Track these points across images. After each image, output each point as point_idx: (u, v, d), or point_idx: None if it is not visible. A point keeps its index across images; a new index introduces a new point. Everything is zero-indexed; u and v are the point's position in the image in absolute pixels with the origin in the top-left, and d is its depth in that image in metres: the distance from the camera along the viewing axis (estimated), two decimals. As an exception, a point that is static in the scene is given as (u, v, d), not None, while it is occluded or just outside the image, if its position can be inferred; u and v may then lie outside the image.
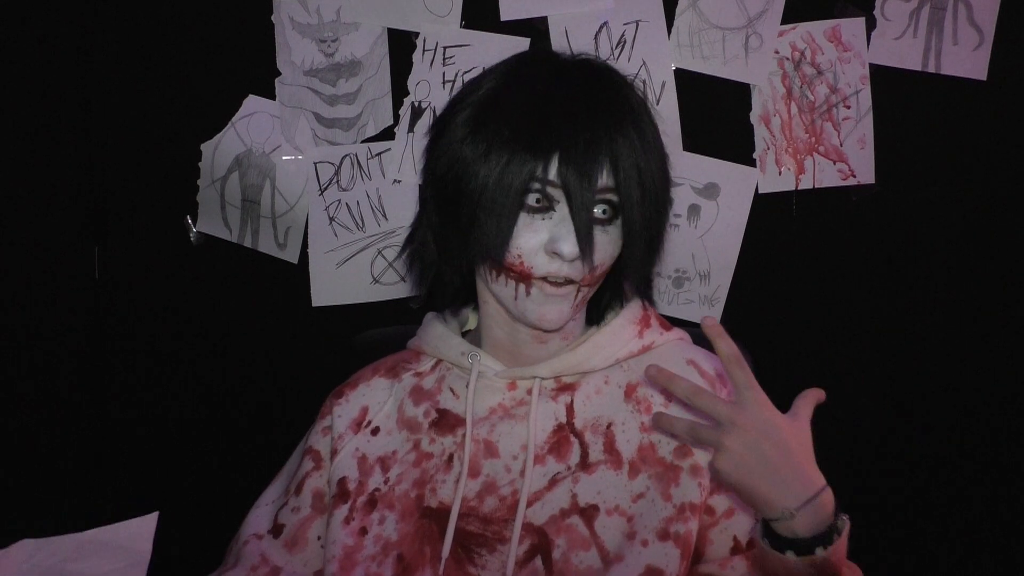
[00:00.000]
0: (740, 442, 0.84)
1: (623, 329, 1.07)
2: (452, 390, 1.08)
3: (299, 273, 1.70)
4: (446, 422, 1.06)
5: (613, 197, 0.97)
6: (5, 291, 1.71)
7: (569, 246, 0.95)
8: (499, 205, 0.96)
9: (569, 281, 0.98)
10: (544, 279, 0.98)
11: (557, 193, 0.96)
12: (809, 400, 0.90)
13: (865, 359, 1.64)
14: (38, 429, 1.73)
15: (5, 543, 0.75)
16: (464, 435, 1.04)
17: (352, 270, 1.69)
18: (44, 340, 1.73)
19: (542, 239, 0.96)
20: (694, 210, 1.63)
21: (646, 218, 0.99)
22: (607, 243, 0.99)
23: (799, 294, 1.64)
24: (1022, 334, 1.61)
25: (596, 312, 1.10)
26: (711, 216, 1.63)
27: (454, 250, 1.03)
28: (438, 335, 1.11)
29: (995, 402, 1.62)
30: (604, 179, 0.96)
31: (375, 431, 1.09)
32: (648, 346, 1.07)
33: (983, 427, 1.62)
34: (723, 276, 1.63)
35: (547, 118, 0.96)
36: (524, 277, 0.98)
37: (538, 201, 0.96)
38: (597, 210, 0.97)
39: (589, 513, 0.98)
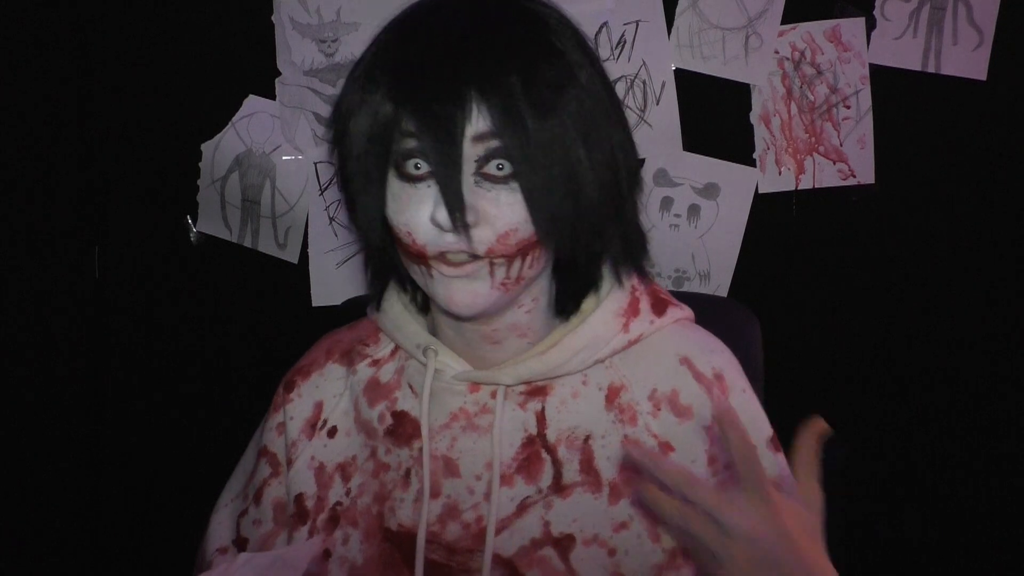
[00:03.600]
0: (749, 555, 0.68)
1: (604, 324, 0.90)
2: (411, 387, 0.94)
3: (299, 273, 1.70)
4: (402, 431, 0.93)
5: (498, 143, 0.79)
6: (5, 291, 1.71)
7: (441, 212, 0.79)
8: (362, 170, 0.84)
9: (474, 256, 0.81)
10: (441, 259, 0.82)
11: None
12: (807, 460, 0.72)
13: (865, 359, 1.63)
14: (38, 429, 1.74)
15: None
16: (421, 450, 0.90)
17: (352, 270, 1.69)
18: (44, 340, 1.73)
19: (430, 210, 0.81)
20: (694, 210, 1.63)
21: (543, 164, 0.80)
22: (511, 203, 0.81)
23: (799, 294, 1.63)
24: (1022, 334, 1.61)
25: (570, 299, 0.92)
26: (711, 216, 1.63)
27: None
28: (395, 315, 0.96)
29: (995, 402, 1.62)
30: (479, 124, 0.79)
31: (332, 432, 0.96)
32: (635, 339, 0.91)
33: (983, 427, 1.62)
34: (723, 276, 1.63)
35: (407, 60, 0.81)
36: (421, 258, 0.83)
37: (417, 167, 0.81)
38: (492, 165, 0.80)
39: (564, 544, 0.86)
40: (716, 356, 0.93)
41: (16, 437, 1.72)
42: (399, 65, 0.81)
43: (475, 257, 0.81)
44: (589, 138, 0.82)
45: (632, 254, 0.91)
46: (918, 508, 1.64)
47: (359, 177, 0.85)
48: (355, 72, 0.85)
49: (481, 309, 0.84)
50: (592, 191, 0.83)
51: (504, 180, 0.80)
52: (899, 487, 1.65)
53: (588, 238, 0.85)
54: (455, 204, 0.79)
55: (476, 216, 0.80)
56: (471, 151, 0.80)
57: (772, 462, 0.91)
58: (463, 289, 0.83)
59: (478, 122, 0.79)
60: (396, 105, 0.80)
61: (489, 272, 0.82)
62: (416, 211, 0.81)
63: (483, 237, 0.81)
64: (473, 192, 0.80)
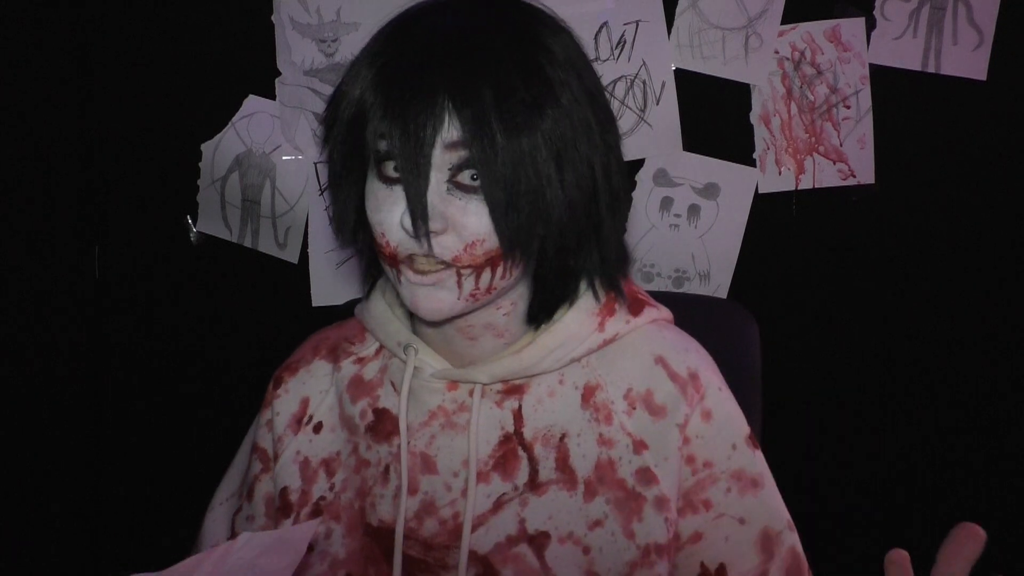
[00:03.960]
0: None
1: (578, 324, 0.91)
2: (393, 385, 0.95)
3: (299, 273, 1.70)
4: (382, 428, 0.94)
5: (468, 153, 0.80)
6: (5, 291, 1.71)
7: (407, 217, 0.80)
8: (344, 162, 0.85)
9: (442, 263, 0.82)
10: (410, 264, 0.83)
11: None
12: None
13: (865, 359, 1.63)
14: (38, 429, 1.74)
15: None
16: (399, 446, 0.92)
17: (352, 270, 1.69)
18: (44, 340, 1.74)
19: (401, 212, 0.82)
20: (694, 210, 1.63)
21: (510, 179, 0.79)
22: (481, 214, 0.81)
23: (799, 295, 1.64)
24: (1021, 334, 1.61)
25: (542, 308, 0.92)
26: (711, 216, 1.63)
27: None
28: (379, 314, 0.97)
29: (996, 402, 1.62)
30: (450, 132, 0.79)
31: (317, 428, 0.98)
32: (611, 339, 0.92)
33: (983, 427, 1.62)
34: (723, 276, 1.63)
35: (388, 63, 0.82)
36: (392, 260, 0.84)
37: (396, 169, 0.81)
38: (466, 175, 0.80)
39: (539, 541, 0.87)
40: (691, 355, 0.93)
41: (16, 437, 1.72)
42: (382, 65, 0.82)
43: (443, 263, 0.82)
44: (563, 159, 0.82)
45: (609, 273, 0.91)
46: (918, 508, 1.64)
47: (339, 169, 0.87)
48: (348, 72, 0.86)
49: (447, 316, 0.85)
50: (561, 211, 0.83)
51: (475, 190, 0.81)
52: (899, 487, 1.65)
53: (557, 255, 0.86)
54: (418, 210, 0.80)
55: (445, 223, 0.81)
56: (444, 158, 0.80)
57: (751, 460, 0.92)
58: (428, 296, 0.83)
59: (451, 130, 0.79)
60: (373, 104, 0.81)
61: (457, 283, 0.83)
62: (389, 212, 0.82)
63: (449, 245, 0.81)
64: (444, 199, 0.81)
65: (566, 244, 0.85)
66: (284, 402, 1.00)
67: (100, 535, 1.80)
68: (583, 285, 0.92)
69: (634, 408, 0.90)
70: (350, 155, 0.85)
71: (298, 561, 0.74)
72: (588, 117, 0.84)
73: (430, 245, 0.81)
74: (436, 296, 0.83)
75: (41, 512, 1.75)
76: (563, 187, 0.82)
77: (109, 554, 1.80)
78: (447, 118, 0.79)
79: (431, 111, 0.78)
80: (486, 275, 0.83)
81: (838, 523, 1.62)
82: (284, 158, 1.70)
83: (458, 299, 0.84)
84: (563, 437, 0.90)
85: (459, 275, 0.83)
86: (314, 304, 1.70)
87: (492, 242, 0.82)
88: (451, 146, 0.80)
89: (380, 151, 0.82)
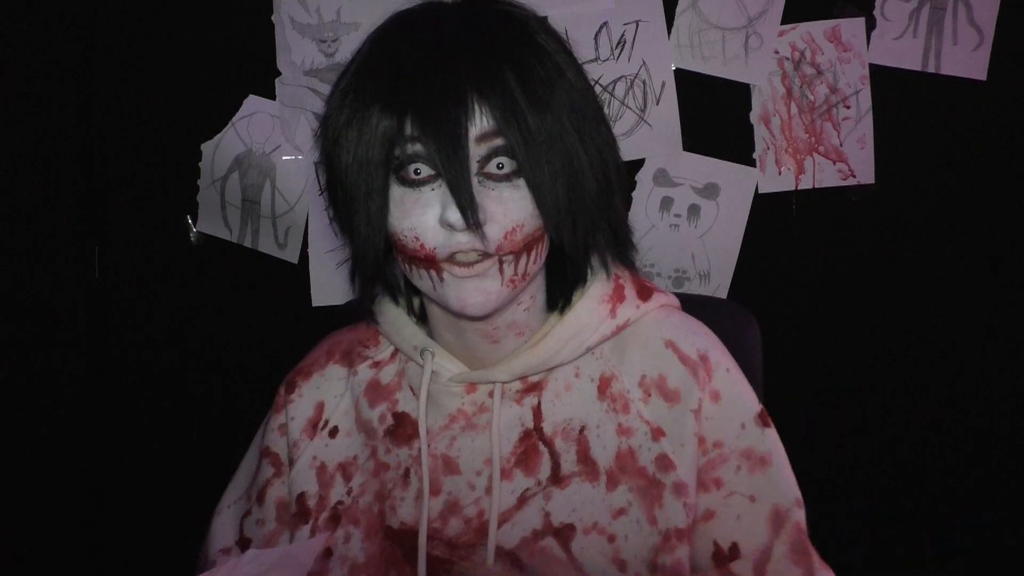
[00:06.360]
0: None
1: (590, 312, 0.92)
2: (412, 388, 0.96)
3: (299, 273, 1.70)
4: (402, 431, 0.94)
5: (501, 142, 0.81)
6: (5, 291, 1.71)
7: (453, 212, 0.80)
8: (364, 180, 0.84)
9: (485, 255, 0.83)
10: (452, 260, 0.83)
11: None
12: None
13: (865, 358, 1.63)
14: (38, 429, 1.74)
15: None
16: (420, 449, 0.92)
17: (352, 270, 1.70)
18: (44, 340, 1.74)
19: (436, 213, 0.82)
20: (694, 210, 1.63)
21: (545, 159, 0.82)
22: (516, 200, 0.82)
23: (799, 294, 1.64)
24: (1021, 334, 1.61)
25: (561, 293, 0.94)
26: (711, 216, 1.63)
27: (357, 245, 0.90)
28: (393, 318, 0.97)
29: (996, 402, 1.62)
30: (481, 124, 0.81)
31: (333, 432, 0.98)
32: (622, 325, 0.93)
33: (983, 427, 1.62)
34: (723, 276, 1.63)
35: (400, 68, 0.82)
36: (431, 263, 0.84)
37: (417, 172, 0.82)
38: (493, 164, 0.82)
39: (565, 533, 0.88)
40: (700, 338, 0.94)
41: (16, 437, 1.72)
42: (394, 76, 0.82)
43: (485, 255, 0.83)
44: (583, 132, 0.85)
45: (621, 246, 0.93)
46: (919, 508, 1.64)
47: (359, 191, 0.85)
48: (342, 88, 0.86)
49: (493, 307, 0.85)
50: (590, 183, 0.86)
51: (507, 178, 0.82)
52: (899, 487, 1.65)
53: (586, 229, 0.88)
54: (467, 204, 0.80)
55: (484, 215, 0.82)
56: (475, 151, 0.82)
57: (760, 438, 0.92)
58: (476, 289, 0.84)
59: (481, 122, 0.81)
60: (396, 115, 0.81)
61: (499, 270, 0.84)
62: (422, 215, 0.83)
63: (491, 235, 0.82)
64: (478, 192, 0.82)
65: (592, 217, 0.87)
66: (298, 407, 1.00)
67: (100, 536, 1.80)
68: (595, 265, 0.94)
69: (649, 395, 0.91)
70: (373, 172, 0.84)
71: None
72: (588, 90, 0.87)
73: (483, 235, 0.81)
74: (483, 287, 0.84)
75: (41, 513, 1.75)
76: (588, 159, 0.85)
77: (110, 555, 1.80)
78: (476, 110, 0.80)
79: (461, 106, 0.80)
80: (523, 260, 0.85)
81: (838, 522, 1.62)
82: (284, 158, 1.70)
83: (502, 286, 0.85)
84: (582, 429, 0.91)
85: (500, 262, 0.84)
86: (314, 304, 1.70)
87: (531, 226, 0.84)
88: (482, 138, 0.81)
89: (405, 156, 0.82)
